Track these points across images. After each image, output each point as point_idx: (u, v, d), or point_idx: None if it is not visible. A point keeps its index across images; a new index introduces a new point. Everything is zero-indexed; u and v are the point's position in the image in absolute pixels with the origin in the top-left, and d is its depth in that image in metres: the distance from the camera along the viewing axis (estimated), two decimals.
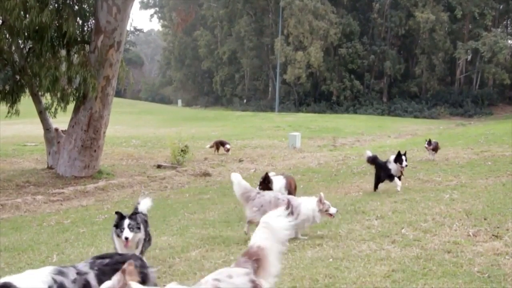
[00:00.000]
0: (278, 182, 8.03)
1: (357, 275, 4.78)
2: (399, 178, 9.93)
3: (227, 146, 20.28)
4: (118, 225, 5.21)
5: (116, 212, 5.41)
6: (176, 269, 5.45)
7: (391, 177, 9.92)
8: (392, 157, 9.89)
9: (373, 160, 10.56)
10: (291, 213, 6.26)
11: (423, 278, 4.60)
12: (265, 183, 7.75)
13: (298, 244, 6.13)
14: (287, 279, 4.83)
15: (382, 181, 10.24)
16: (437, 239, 5.84)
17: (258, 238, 3.58)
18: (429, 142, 14.81)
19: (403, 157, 9.69)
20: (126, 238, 5.09)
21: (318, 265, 5.19)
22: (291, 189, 8.20)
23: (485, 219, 6.69)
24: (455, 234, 6.05)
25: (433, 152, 14.83)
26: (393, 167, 9.79)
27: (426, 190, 9.74)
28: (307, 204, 6.39)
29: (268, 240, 3.54)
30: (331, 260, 5.34)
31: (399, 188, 9.72)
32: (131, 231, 5.13)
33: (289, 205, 6.30)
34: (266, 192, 6.83)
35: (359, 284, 4.59)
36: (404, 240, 5.93)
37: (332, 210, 6.41)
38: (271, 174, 9.04)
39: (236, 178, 6.74)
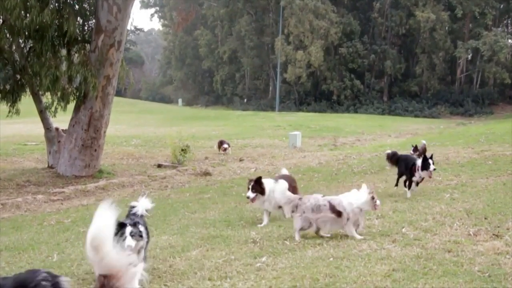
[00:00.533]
0: (268, 185, 7.56)
1: (357, 274, 4.77)
2: (417, 183, 9.26)
3: (224, 146, 20.23)
4: (120, 234, 4.95)
5: (117, 223, 5.08)
6: (176, 268, 5.45)
7: (411, 183, 9.18)
8: (419, 162, 8.99)
9: (394, 157, 10.00)
10: (340, 214, 6.19)
11: (423, 278, 4.59)
12: (258, 186, 7.38)
13: (299, 244, 6.13)
14: (288, 279, 4.82)
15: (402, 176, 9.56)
16: (438, 239, 5.83)
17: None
18: (415, 149, 13.89)
19: (430, 161, 8.83)
20: (129, 246, 4.88)
21: (318, 264, 5.19)
22: None
23: (485, 218, 6.68)
24: (456, 233, 6.04)
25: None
26: (418, 174, 9.02)
27: (426, 189, 9.72)
28: (348, 199, 6.27)
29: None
30: (331, 259, 5.33)
31: (409, 195, 9.05)
32: (133, 239, 4.91)
33: (332, 206, 6.22)
34: (307, 198, 6.59)
35: (359, 283, 4.59)
36: (404, 239, 5.92)
37: (378, 201, 6.34)
38: (283, 171, 8.86)
39: (282, 186, 6.68)
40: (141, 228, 5.07)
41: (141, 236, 5.00)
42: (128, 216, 5.43)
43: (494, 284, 4.37)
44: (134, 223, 5.03)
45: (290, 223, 7.32)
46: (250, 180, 7.54)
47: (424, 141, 14.69)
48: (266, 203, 7.51)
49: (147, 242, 5.22)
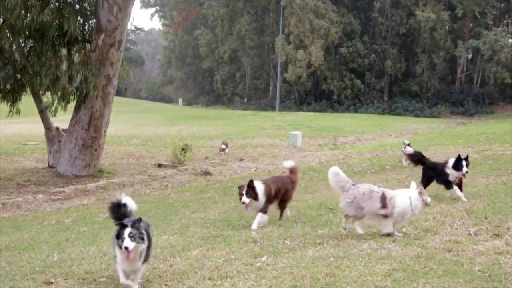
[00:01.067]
0: (258, 188, 7.16)
1: (358, 274, 4.78)
2: (460, 186, 8.36)
3: (222, 146, 20.01)
4: (119, 235, 4.69)
5: (117, 224, 4.86)
6: (177, 268, 5.45)
7: (448, 184, 8.44)
8: (451, 162, 8.36)
9: (417, 159, 9.25)
10: (385, 205, 6.09)
11: (423, 277, 4.59)
12: (252, 191, 7.04)
13: (299, 243, 6.13)
14: (288, 278, 4.82)
15: (429, 183, 8.80)
16: (438, 238, 5.83)
17: None
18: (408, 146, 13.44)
19: (463, 162, 8.17)
20: (126, 248, 4.58)
21: (319, 264, 5.19)
22: (270, 196, 7.31)
23: (486, 218, 6.68)
24: (456, 233, 6.05)
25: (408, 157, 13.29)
26: (451, 172, 8.32)
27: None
28: (402, 196, 6.14)
29: None
30: (332, 259, 5.34)
31: (464, 199, 8.16)
32: (132, 240, 4.61)
33: (383, 197, 6.14)
34: (361, 184, 6.53)
35: (360, 283, 4.59)
36: (405, 239, 5.92)
37: (428, 199, 6.23)
38: (286, 164, 8.31)
39: (334, 169, 6.52)
40: (142, 230, 4.77)
41: (142, 238, 4.72)
42: (119, 213, 5.17)
43: (495, 284, 4.37)
44: (134, 224, 4.72)
45: (291, 223, 7.33)
46: (241, 186, 7.18)
47: (406, 141, 13.98)
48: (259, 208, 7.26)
49: (149, 245, 4.95)
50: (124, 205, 5.30)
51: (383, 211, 6.09)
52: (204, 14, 70.97)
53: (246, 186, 7.08)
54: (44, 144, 17.66)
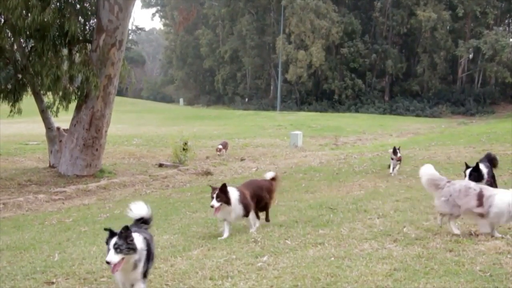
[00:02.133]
0: (232, 194, 6.76)
1: (358, 274, 4.77)
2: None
3: (219, 146, 19.70)
4: (107, 243, 4.26)
5: (105, 229, 4.37)
6: (177, 267, 5.45)
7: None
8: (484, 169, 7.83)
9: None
10: (481, 204, 5.77)
11: (424, 277, 4.59)
12: (223, 195, 6.59)
13: (300, 243, 6.12)
14: (289, 278, 4.82)
15: None
16: (439, 238, 5.82)
17: None
18: (394, 151, 12.60)
19: (467, 171, 7.70)
20: (108, 263, 4.18)
21: (319, 264, 5.19)
22: (246, 202, 6.87)
23: None
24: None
25: (398, 162, 12.61)
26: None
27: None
28: (503, 197, 5.75)
29: None
30: (332, 259, 5.33)
31: None
32: (117, 253, 4.14)
33: (480, 195, 5.83)
34: (457, 181, 6.23)
35: (360, 283, 4.59)
36: (405, 239, 5.91)
37: None
38: (268, 175, 7.86)
39: (427, 167, 6.30)
40: (135, 240, 4.28)
41: (130, 249, 4.22)
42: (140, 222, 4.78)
43: (496, 284, 4.36)
44: (121, 233, 4.22)
45: (292, 223, 7.33)
46: (214, 188, 6.67)
47: (396, 147, 13.18)
48: (231, 214, 6.81)
49: (149, 257, 4.47)
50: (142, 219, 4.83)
51: (478, 210, 5.77)
52: (205, 14, 70.98)
53: (218, 190, 6.66)
54: (45, 144, 17.68)
